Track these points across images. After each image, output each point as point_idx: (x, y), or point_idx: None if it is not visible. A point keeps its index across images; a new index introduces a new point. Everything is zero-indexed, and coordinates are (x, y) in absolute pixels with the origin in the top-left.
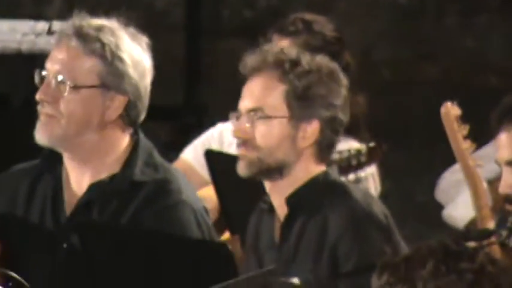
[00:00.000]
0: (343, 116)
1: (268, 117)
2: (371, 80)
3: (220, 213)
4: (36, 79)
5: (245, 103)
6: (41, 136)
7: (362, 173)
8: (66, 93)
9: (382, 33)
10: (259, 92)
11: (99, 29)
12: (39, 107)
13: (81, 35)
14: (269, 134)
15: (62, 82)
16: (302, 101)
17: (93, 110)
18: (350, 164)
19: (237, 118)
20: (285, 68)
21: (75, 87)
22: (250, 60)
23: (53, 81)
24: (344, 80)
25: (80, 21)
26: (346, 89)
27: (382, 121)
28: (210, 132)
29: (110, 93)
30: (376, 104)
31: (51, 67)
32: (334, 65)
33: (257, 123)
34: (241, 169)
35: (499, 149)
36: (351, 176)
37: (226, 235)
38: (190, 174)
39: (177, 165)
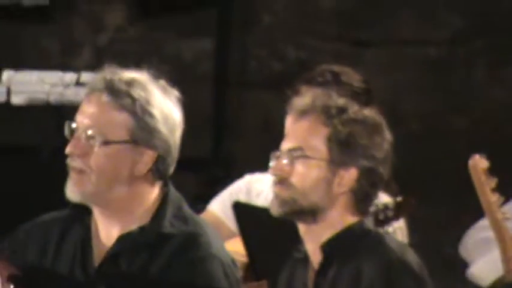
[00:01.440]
0: (383, 171)
1: (307, 158)
2: (399, 132)
3: (247, 266)
4: (66, 131)
5: (287, 143)
6: (72, 193)
7: (389, 228)
8: (96, 148)
9: (411, 85)
10: (302, 133)
11: (130, 83)
12: (68, 160)
13: (112, 89)
14: (306, 174)
15: (92, 137)
16: (343, 147)
17: (123, 164)
18: (377, 219)
19: (277, 157)
20: (331, 112)
21: (105, 143)
22: (298, 102)
23: (83, 135)
24: (389, 136)
25: (111, 75)
26: (389, 145)
27: (409, 173)
28: (238, 184)
29: (139, 148)
30: (404, 156)
31: (81, 121)
32: (381, 119)
33: (296, 163)
34: (274, 207)
35: None
36: None
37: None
38: (217, 226)
39: (204, 217)
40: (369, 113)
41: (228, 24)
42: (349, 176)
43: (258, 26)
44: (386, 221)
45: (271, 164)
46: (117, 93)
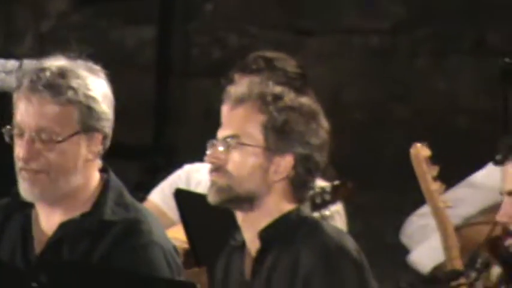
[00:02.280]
0: (320, 158)
1: (243, 145)
2: (341, 120)
3: (188, 252)
4: (6, 136)
5: (223, 130)
6: (30, 195)
7: (327, 211)
8: (50, 148)
9: (353, 74)
10: (238, 120)
11: (63, 74)
12: (20, 164)
13: (51, 86)
14: (242, 162)
15: (44, 136)
16: (279, 134)
17: (78, 155)
18: (314, 202)
19: (213, 145)
20: (266, 99)
21: (59, 140)
22: (234, 90)
23: (35, 138)
24: (325, 123)
25: (41, 70)
26: (326, 132)
27: (352, 161)
28: (177, 174)
29: (90, 133)
30: (346, 144)
31: (28, 123)
32: (317, 106)
33: (232, 150)
34: (211, 195)
35: (505, 179)
36: (316, 214)
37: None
38: (158, 215)
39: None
40: (305, 100)
41: (171, 12)
42: (285, 163)
43: (200, 14)
44: (324, 204)
45: (208, 152)
46: (58, 89)
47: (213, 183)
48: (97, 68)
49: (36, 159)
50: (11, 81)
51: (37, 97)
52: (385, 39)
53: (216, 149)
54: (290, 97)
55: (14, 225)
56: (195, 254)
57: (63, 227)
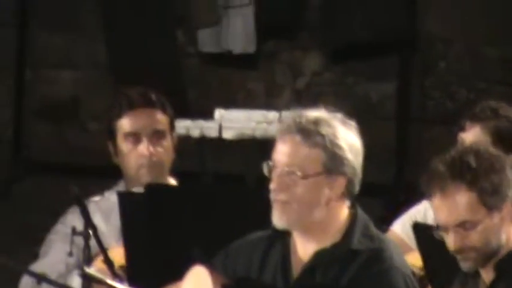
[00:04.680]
0: None
1: (476, 224)
2: None
3: (422, 278)
4: (265, 169)
5: (449, 218)
6: (279, 222)
7: None
8: (297, 182)
9: None
10: (458, 207)
11: (316, 122)
12: (272, 195)
13: (303, 130)
14: (481, 236)
15: (292, 173)
16: (495, 196)
17: (320, 192)
18: None
19: (447, 231)
20: (467, 179)
21: (304, 177)
22: (436, 173)
23: (284, 172)
24: (510, 160)
25: (299, 117)
26: None
27: None
28: (417, 208)
29: (332, 176)
30: None
31: (280, 159)
32: (497, 152)
33: (469, 232)
34: (466, 267)
35: None
36: None
37: None
38: (398, 243)
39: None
40: (487, 153)
41: (409, 69)
42: (508, 210)
43: (435, 71)
44: None
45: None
46: (308, 133)
47: (466, 259)
48: (350, 122)
49: (284, 191)
50: (272, 130)
51: (290, 138)
52: None
53: (457, 233)
54: (479, 161)
55: (275, 252)
56: (430, 281)
57: (317, 255)
